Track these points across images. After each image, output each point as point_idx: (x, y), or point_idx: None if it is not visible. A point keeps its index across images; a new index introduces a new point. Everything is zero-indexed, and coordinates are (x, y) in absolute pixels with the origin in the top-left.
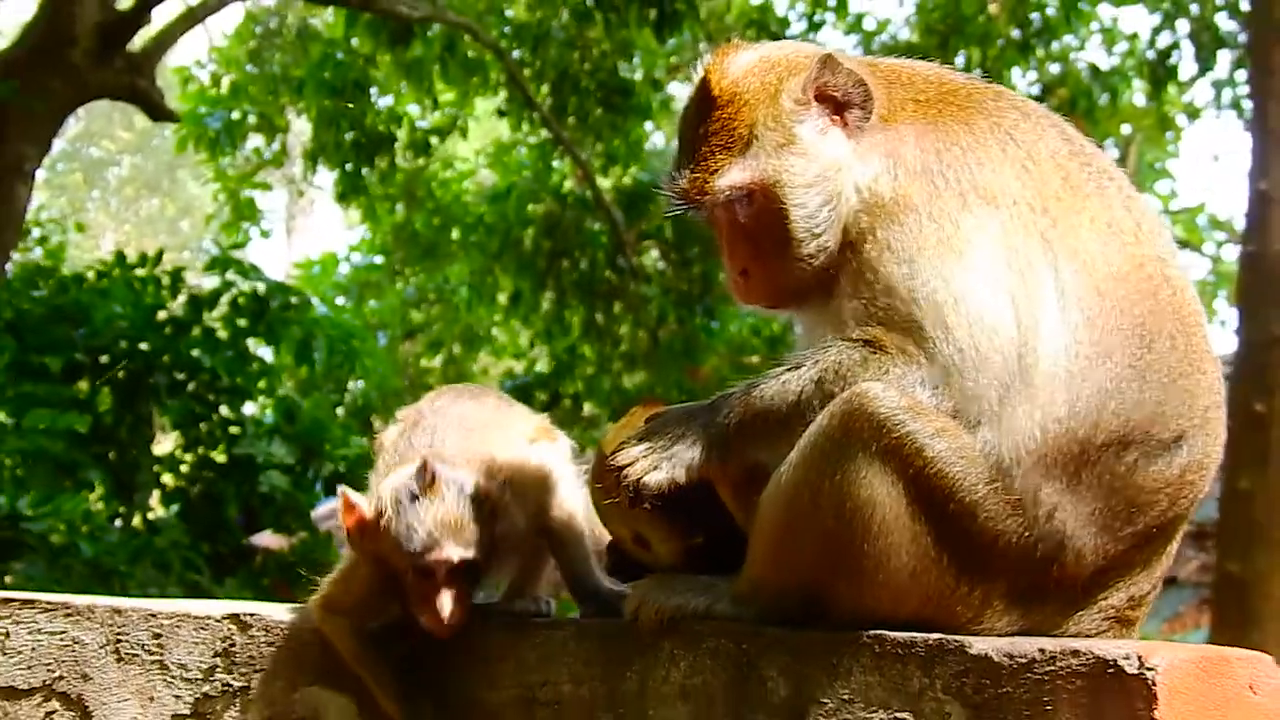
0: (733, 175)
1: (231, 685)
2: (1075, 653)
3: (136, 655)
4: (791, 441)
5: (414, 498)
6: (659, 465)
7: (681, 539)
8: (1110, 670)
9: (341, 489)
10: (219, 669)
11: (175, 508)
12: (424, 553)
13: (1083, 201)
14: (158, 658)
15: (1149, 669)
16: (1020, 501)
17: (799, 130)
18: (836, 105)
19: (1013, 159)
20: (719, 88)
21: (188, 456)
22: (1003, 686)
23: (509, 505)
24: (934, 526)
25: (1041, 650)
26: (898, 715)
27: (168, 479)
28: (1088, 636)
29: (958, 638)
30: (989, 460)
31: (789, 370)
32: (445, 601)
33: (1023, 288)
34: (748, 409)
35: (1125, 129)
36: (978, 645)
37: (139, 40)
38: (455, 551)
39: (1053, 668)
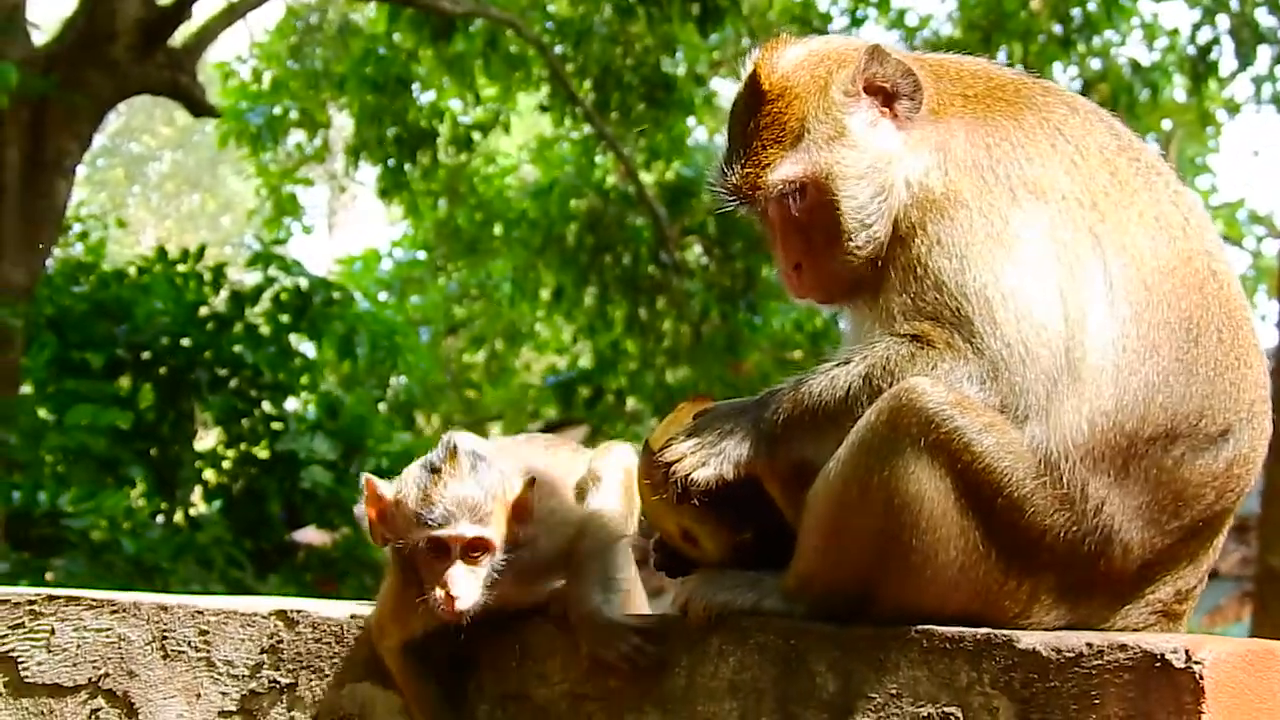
0: (785, 169)
1: (279, 682)
2: (1123, 646)
3: (183, 652)
4: (840, 438)
5: (433, 470)
6: (707, 461)
7: (729, 535)
8: (1158, 664)
9: (366, 476)
10: (266, 665)
11: (217, 504)
12: (437, 526)
13: (1131, 196)
14: (204, 654)
15: (1196, 663)
16: (1068, 495)
17: (849, 122)
18: (886, 96)
19: (1061, 154)
20: (768, 82)
21: (230, 453)
22: (1050, 681)
23: (540, 514)
24: (982, 521)
25: (1089, 644)
26: (945, 710)
27: (210, 475)
28: (1135, 630)
29: (1005, 632)
30: (1037, 455)
31: (837, 366)
32: (456, 578)
33: (1071, 281)
34: (796, 405)
35: (1166, 124)
36: (1025, 640)
37: (180, 35)
38: (469, 528)
39: (1100, 662)
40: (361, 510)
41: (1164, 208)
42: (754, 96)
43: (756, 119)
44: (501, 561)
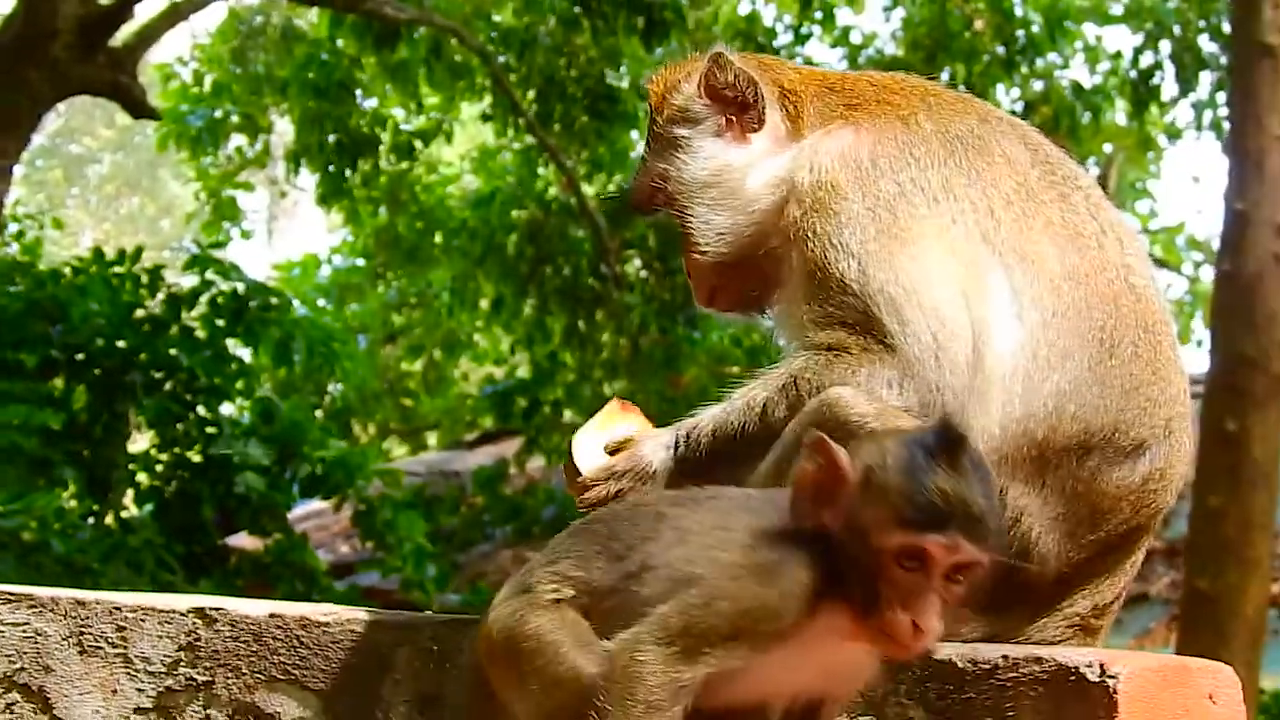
0: (639, 178)
1: (195, 679)
2: (1038, 659)
3: (100, 648)
4: (764, 458)
5: (931, 459)
6: (617, 488)
7: None
8: (1072, 678)
9: (818, 435)
10: (183, 663)
11: (149, 507)
12: (930, 532)
13: (1039, 207)
14: (121, 651)
15: (1110, 677)
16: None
17: (689, 130)
18: (733, 105)
19: (958, 160)
20: (653, 95)
21: (163, 456)
22: (966, 692)
23: None
24: None
25: (1005, 657)
26: None
27: (143, 478)
28: (1052, 643)
29: None
30: None
31: (755, 387)
32: (931, 609)
33: (973, 284)
34: (717, 432)
35: (1107, 148)
36: (941, 651)
37: (121, 36)
38: (970, 549)
39: (1015, 674)
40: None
41: (1078, 219)
42: (649, 109)
43: (648, 129)
44: None
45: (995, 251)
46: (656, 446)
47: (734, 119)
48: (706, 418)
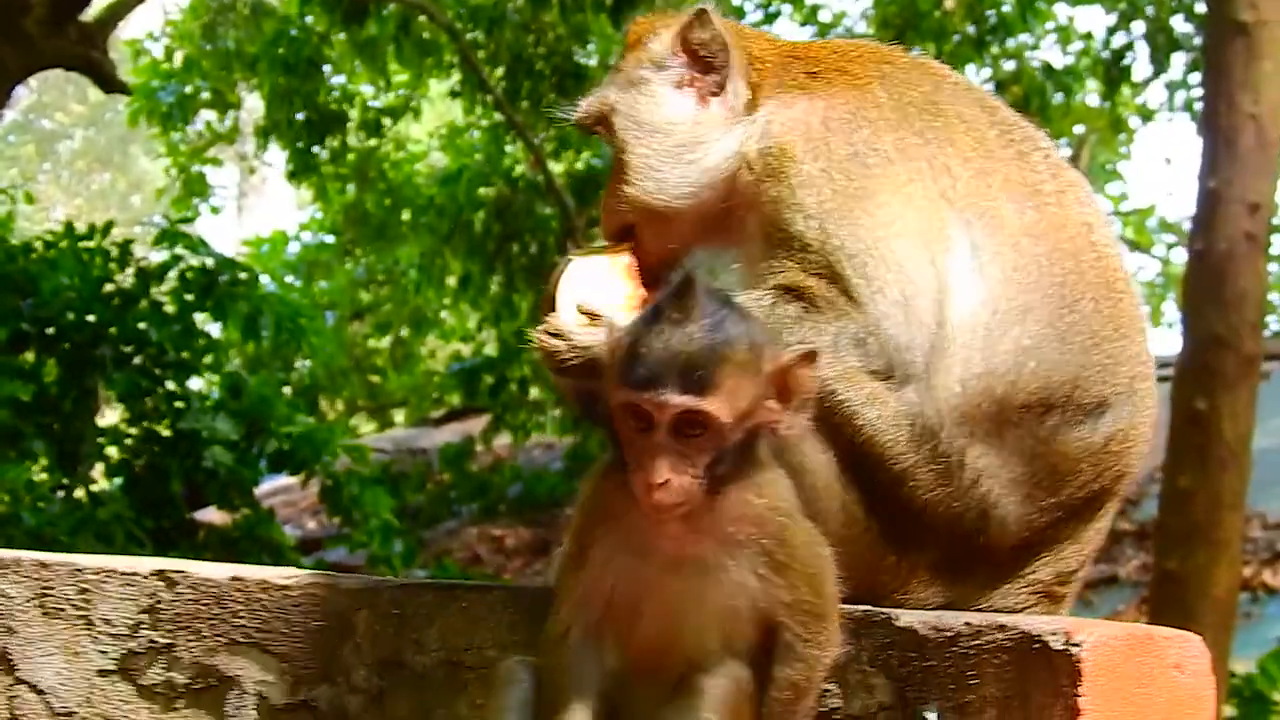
0: (585, 102)
1: (157, 642)
2: (1001, 627)
3: (62, 610)
4: None
5: (655, 315)
6: (568, 357)
7: None
8: (1036, 646)
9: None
10: (145, 625)
11: (119, 480)
12: (641, 387)
13: (996, 165)
14: (84, 613)
15: (1075, 645)
16: (948, 468)
17: (654, 74)
18: (703, 64)
19: (912, 120)
20: (631, 34)
21: (133, 430)
22: (928, 660)
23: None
24: (864, 494)
25: (968, 624)
26: (822, 687)
27: (112, 451)
28: (1015, 611)
29: (884, 610)
30: (915, 423)
31: None
32: (660, 460)
33: (933, 240)
34: None
35: (1078, 129)
36: (904, 618)
37: (92, 10)
38: (682, 400)
39: (978, 642)
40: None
41: (1039, 178)
42: (626, 40)
43: (616, 63)
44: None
45: (954, 208)
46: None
47: (698, 77)
48: None
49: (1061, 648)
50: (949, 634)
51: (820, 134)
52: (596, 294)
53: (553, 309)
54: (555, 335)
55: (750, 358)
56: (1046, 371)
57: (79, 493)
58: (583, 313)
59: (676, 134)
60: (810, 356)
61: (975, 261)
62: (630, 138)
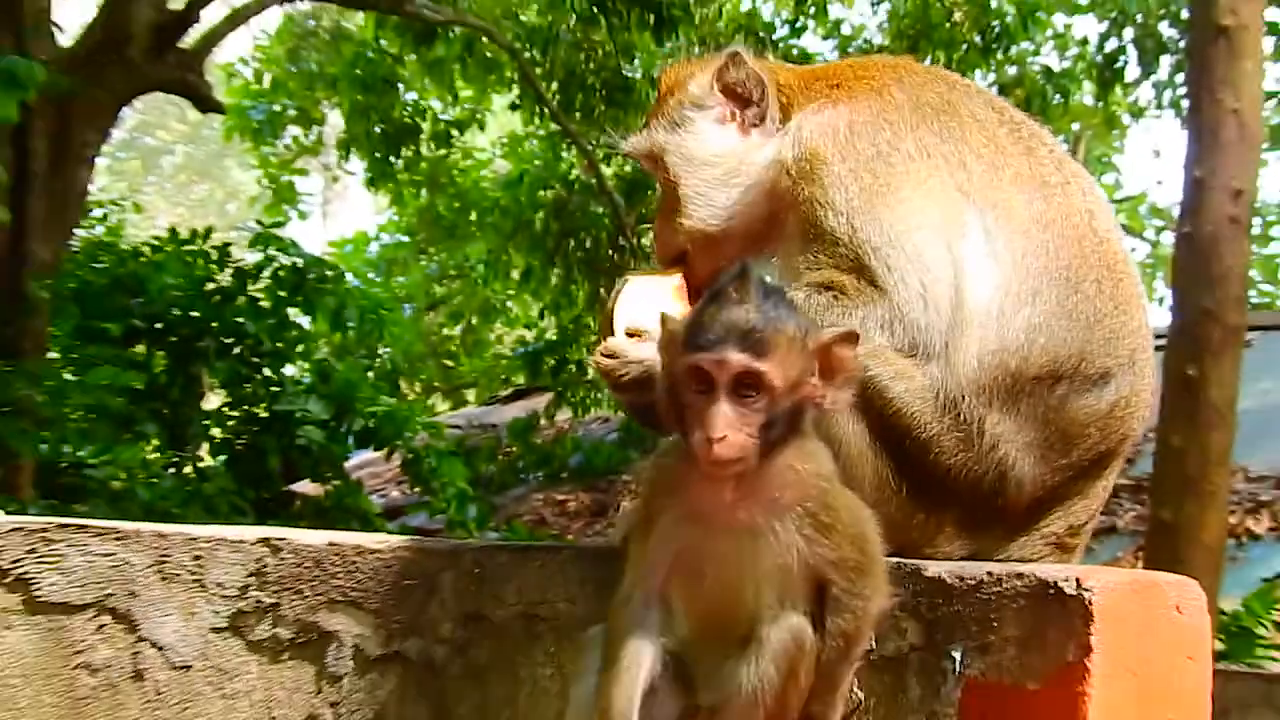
0: (634, 141)
1: (263, 602)
2: (1019, 575)
3: (179, 575)
4: None
5: (713, 296)
6: (628, 371)
7: None
8: (1051, 591)
9: (663, 312)
10: (252, 587)
11: (223, 458)
12: (704, 350)
13: (1006, 159)
14: (198, 577)
15: (1086, 590)
16: (968, 435)
17: (697, 114)
18: (740, 100)
19: (930, 122)
20: (667, 78)
21: (234, 412)
22: (954, 605)
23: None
24: (893, 461)
25: (989, 573)
26: (873, 634)
27: (216, 432)
28: (1031, 560)
29: (914, 562)
30: (938, 396)
31: None
32: (718, 415)
33: (950, 231)
34: None
35: (1075, 126)
36: (932, 569)
37: (189, 38)
38: (740, 358)
39: (999, 589)
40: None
41: (1044, 171)
42: (662, 87)
43: (657, 105)
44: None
45: (969, 200)
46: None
47: (738, 112)
48: None
49: (1074, 592)
50: (972, 582)
51: (847, 137)
52: (649, 314)
53: (611, 326)
54: (611, 356)
55: (798, 334)
56: (1055, 346)
57: (187, 469)
58: (630, 334)
59: (724, 164)
60: (851, 337)
61: (989, 248)
62: (682, 172)
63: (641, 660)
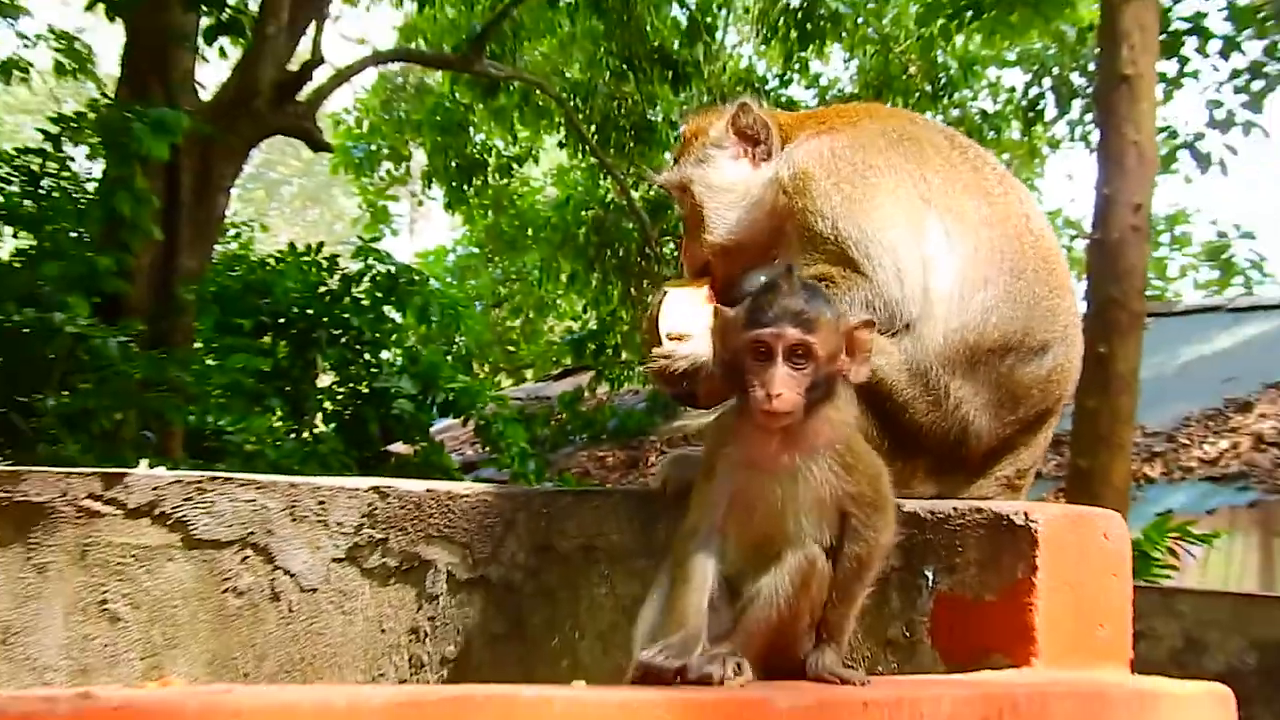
0: (666, 174)
1: (374, 537)
2: (979, 510)
3: (306, 516)
4: None
5: (768, 288)
6: (680, 367)
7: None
8: (1004, 523)
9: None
10: (365, 525)
11: (333, 425)
12: (764, 327)
13: (957, 174)
14: (321, 517)
15: (1032, 522)
16: (936, 397)
17: (717, 152)
18: (750, 140)
19: (896, 146)
20: (693, 124)
21: (341, 389)
22: (927, 534)
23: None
24: (877, 420)
25: (954, 509)
26: (881, 564)
27: (327, 404)
28: (987, 499)
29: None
30: (912, 367)
31: None
32: (777, 376)
33: (916, 232)
34: None
35: (1005, 156)
36: (909, 505)
37: (304, 93)
38: (794, 332)
39: (963, 521)
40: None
41: (988, 184)
42: (685, 134)
43: (684, 147)
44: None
45: (930, 206)
46: (705, 337)
47: (749, 150)
48: None
49: (1022, 524)
50: (941, 516)
51: (830, 158)
52: (686, 318)
53: (657, 330)
54: (665, 357)
55: (833, 318)
56: (1004, 324)
57: (305, 434)
58: (672, 338)
59: (738, 190)
60: (869, 324)
61: (948, 244)
62: (705, 199)
63: (706, 579)
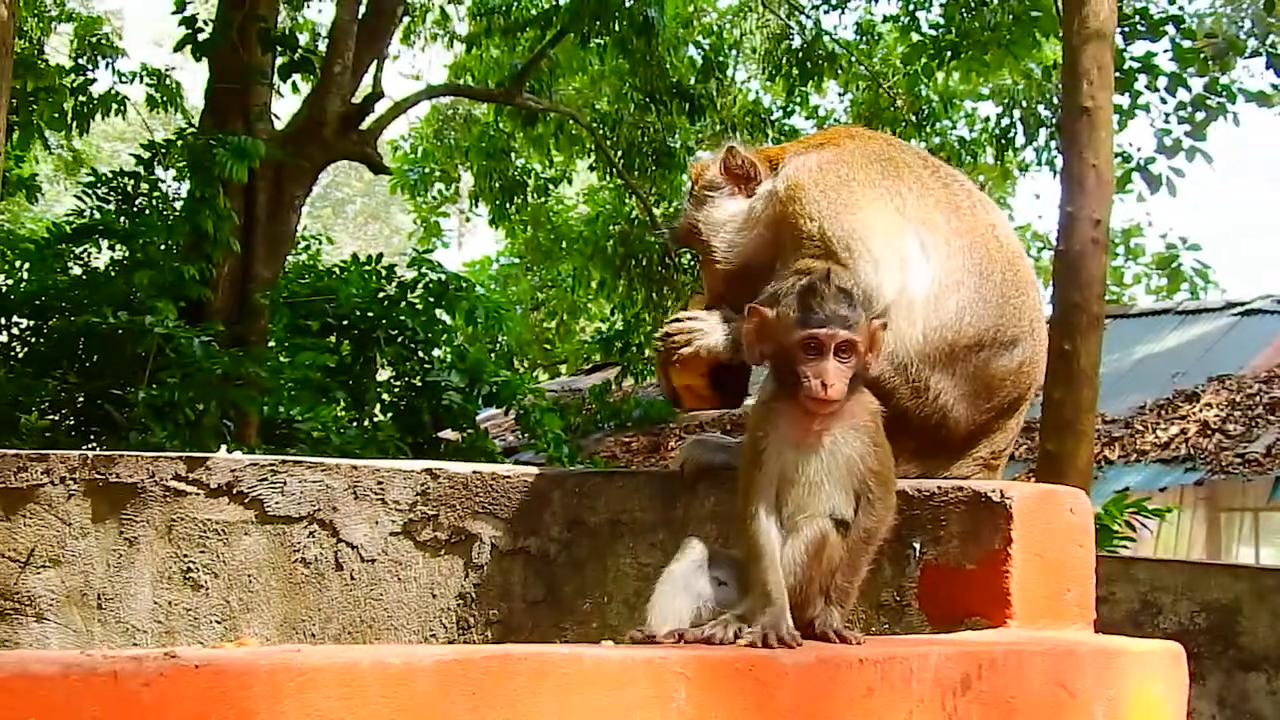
0: (676, 223)
1: (427, 513)
2: (960, 488)
3: (367, 495)
4: None
5: (811, 290)
6: (691, 343)
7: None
8: (983, 500)
9: (751, 305)
10: (419, 503)
11: (390, 414)
12: (818, 327)
13: (930, 191)
14: (380, 496)
15: (1007, 499)
16: (917, 389)
17: (713, 194)
18: (740, 178)
19: (875, 165)
20: (694, 170)
21: (398, 382)
22: (914, 510)
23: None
24: None
25: (939, 487)
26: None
27: (385, 396)
28: (967, 478)
29: None
30: (895, 360)
31: None
32: (829, 369)
33: (894, 239)
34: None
35: (980, 178)
36: (898, 485)
37: (366, 123)
38: (844, 332)
39: (946, 498)
40: (481, 418)
41: (957, 198)
42: (691, 180)
43: (689, 192)
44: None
45: (905, 218)
46: (717, 324)
47: (741, 186)
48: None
49: (999, 500)
50: (927, 493)
51: (817, 172)
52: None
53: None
54: (676, 321)
55: (864, 318)
56: (977, 322)
57: (365, 423)
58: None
59: (739, 219)
60: (885, 324)
61: (922, 253)
62: (710, 235)
63: (777, 552)
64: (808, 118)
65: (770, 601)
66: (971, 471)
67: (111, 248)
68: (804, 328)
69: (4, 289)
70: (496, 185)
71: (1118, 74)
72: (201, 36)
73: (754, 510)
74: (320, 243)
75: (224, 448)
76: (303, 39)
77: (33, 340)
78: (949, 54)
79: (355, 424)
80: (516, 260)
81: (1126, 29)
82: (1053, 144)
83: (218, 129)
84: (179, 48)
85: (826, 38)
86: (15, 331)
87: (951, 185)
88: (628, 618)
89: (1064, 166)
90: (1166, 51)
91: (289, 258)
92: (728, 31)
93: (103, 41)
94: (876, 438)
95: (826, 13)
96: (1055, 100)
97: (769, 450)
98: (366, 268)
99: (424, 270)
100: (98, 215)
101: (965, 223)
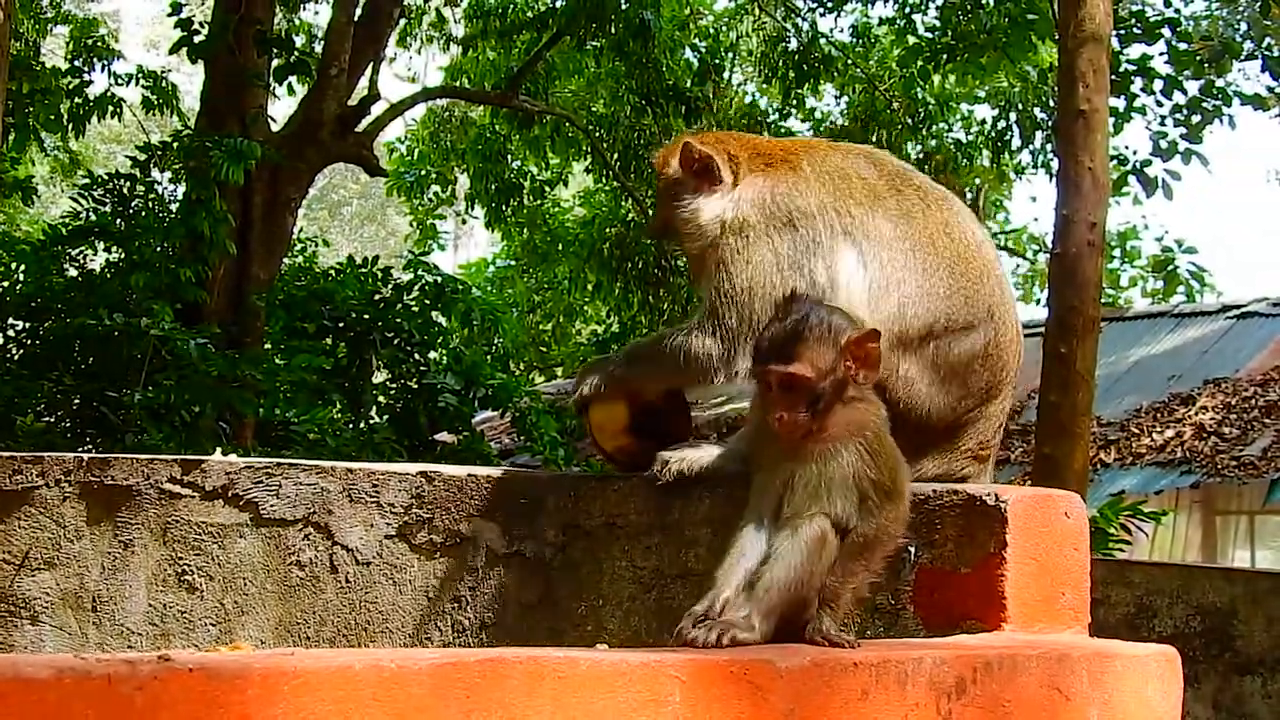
0: (654, 217)
1: (422, 516)
2: (954, 492)
3: (362, 498)
4: (655, 373)
5: (772, 320)
6: (582, 385)
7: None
8: (978, 504)
9: None
10: (414, 506)
11: (386, 417)
12: (761, 363)
13: (879, 201)
14: (375, 499)
15: (1002, 502)
16: (890, 378)
17: (678, 190)
18: (699, 172)
19: (825, 183)
20: (657, 165)
21: (393, 385)
22: (910, 514)
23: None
24: None
25: (934, 491)
26: (886, 555)
27: (381, 398)
28: (958, 472)
29: None
30: None
31: (667, 331)
32: (776, 402)
33: (830, 261)
34: (629, 354)
35: (977, 181)
36: None
37: (362, 125)
38: (776, 368)
39: (941, 502)
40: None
41: (907, 203)
42: (657, 175)
43: (657, 187)
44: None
45: (848, 235)
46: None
47: (701, 180)
48: (625, 348)
49: (994, 504)
50: (922, 498)
51: (769, 208)
52: None
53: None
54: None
55: (825, 334)
56: (922, 314)
57: (361, 425)
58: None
59: (699, 217)
60: (874, 335)
61: (860, 263)
62: (679, 225)
63: (743, 553)
64: (804, 120)
65: (711, 588)
66: (963, 465)
67: (107, 250)
68: (754, 363)
69: (0, 291)
70: (492, 187)
71: (1114, 77)
72: (198, 39)
73: (742, 516)
74: (316, 245)
75: (220, 450)
76: (299, 41)
77: (28, 342)
78: (945, 57)
79: (351, 426)
80: (512, 262)
81: (1122, 32)
82: (1049, 147)
83: (214, 131)
84: (175, 50)
85: (823, 40)
86: (11, 333)
87: (905, 190)
88: (622, 621)
89: (1060, 169)
90: (1162, 54)
91: (285, 260)
92: (724, 34)
93: (99, 44)
94: (878, 447)
95: (823, 15)
96: (1051, 103)
97: (765, 460)
98: (363, 270)
99: (420, 272)
100: (94, 217)
101: (913, 226)
